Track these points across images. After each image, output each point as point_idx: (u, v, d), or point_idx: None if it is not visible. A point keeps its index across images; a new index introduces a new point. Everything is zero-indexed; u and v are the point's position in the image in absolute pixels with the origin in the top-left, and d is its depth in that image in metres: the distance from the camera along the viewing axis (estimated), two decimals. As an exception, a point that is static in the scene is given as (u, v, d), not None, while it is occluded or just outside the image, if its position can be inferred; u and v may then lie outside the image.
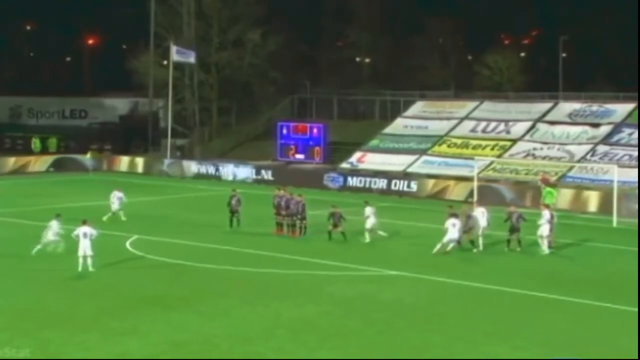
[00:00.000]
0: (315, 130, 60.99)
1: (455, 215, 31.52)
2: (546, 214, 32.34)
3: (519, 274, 28.42)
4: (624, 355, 19.49)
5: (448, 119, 59.65)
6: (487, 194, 44.46)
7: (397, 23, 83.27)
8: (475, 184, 43.66)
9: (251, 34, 68.63)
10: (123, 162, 63.56)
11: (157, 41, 68.72)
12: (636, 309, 23.36)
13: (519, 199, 44.84)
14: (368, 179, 52.38)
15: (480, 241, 32.25)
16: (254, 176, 56.74)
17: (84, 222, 27.41)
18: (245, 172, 57.46)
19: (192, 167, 60.33)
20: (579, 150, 52.02)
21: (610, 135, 52.72)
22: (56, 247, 29.31)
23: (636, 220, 41.03)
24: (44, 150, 67.19)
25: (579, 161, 50.71)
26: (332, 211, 33.91)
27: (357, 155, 57.87)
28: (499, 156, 53.02)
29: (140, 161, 63.15)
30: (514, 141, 54.96)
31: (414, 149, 57.00)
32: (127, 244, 32.06)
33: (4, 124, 77.52)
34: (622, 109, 54.96)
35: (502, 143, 55.16)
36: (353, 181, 52.73)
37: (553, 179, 47.64)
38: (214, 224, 36.98)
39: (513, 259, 31.02)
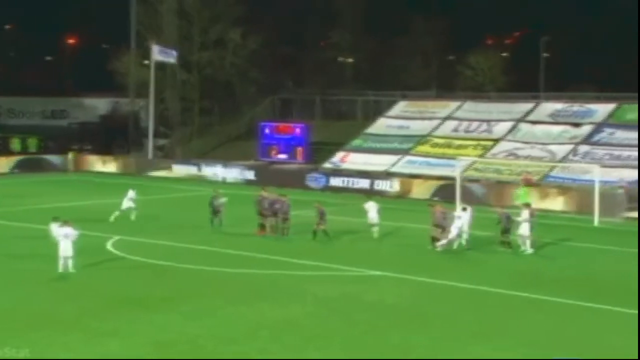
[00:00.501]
0: (297, 130, 60.84)
1: (463, 209, 32.68)
2: (525, 213, 32.38)
3: (502, 273, 28.46)
4: (609, 355, 19.52)
5: (430, 119, 59.74)
6: (467, 193, 44.53)
7: (381, 23, 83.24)
8: (458, 183, 43.65)
9: (232, 34, 68.46)
10: (102, 162, 63.23)
11: (138, 40, 68.41)
12: (620, 308, 23.51)
13: (498, 199, 44.68)
14: (350, 179, 52.39)
15: (463, 239, 32.30)
16: (237, 176, 56.64)
17: (65, 223, 27.21)
18: (227, 172, 57.33)
19: (174, 167, 60.07)
20: (561, 150, 52.22)
21: (591, 135, 52.99)
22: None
23: (617, 220, 41.32)
24: (24, 151, 66.70)
25: (560, 161, 50.92)
26: (317, 206, 34.06)
27: (339, 155, 57.84)
28: (481, 156, 53.15)
29: (120, 161, 62.81)
30: (496, 141, 55.12)
31: (397, 148, 57.04)
32: (109, 245, 31.87)
33: (-16, 124, 77.01)
34: (603, 109, 55.30)
35: (484, 143, 55.28)
36: (335, 181, 52.75)
37: (535, 178, 47.84)
38: (195, 225, 36.84)
39: (496, 258, 31.04)
